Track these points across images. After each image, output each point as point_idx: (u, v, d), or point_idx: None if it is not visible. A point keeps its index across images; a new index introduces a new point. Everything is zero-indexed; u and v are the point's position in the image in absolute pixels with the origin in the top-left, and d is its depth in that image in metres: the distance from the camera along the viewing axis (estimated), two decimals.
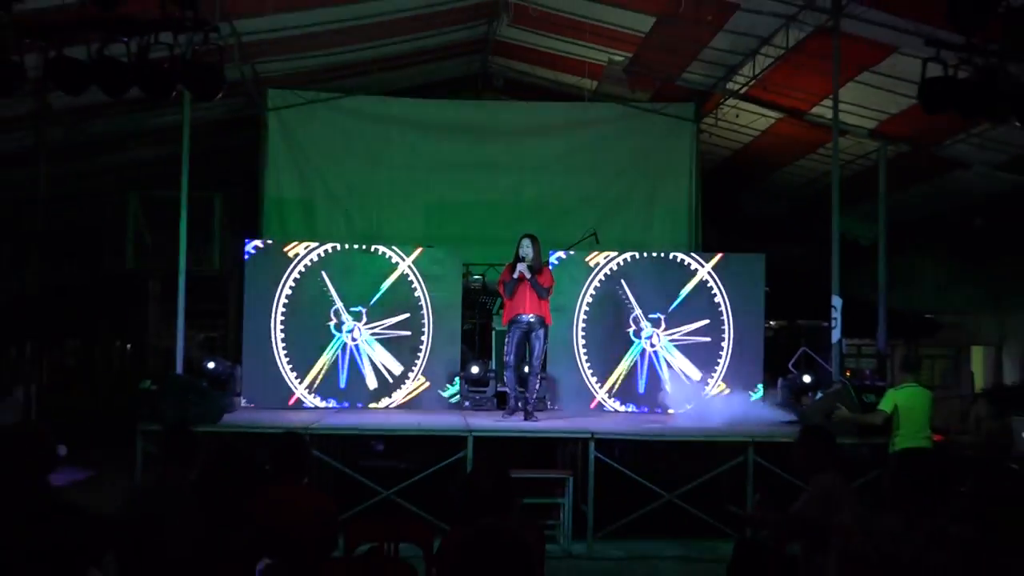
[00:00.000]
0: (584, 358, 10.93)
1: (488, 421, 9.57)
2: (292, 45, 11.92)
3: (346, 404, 10.68)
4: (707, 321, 10.96)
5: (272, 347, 10.64)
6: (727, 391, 10.68)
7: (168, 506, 4.60)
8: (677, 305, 10.95)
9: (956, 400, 16.26)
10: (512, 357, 9.59)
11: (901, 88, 10.74)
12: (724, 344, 10.97)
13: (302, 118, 13.89)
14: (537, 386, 9.82)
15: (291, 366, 10.66)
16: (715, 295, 11.00)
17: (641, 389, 10.90)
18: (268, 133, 13.84)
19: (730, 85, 12.94)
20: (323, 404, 10.64)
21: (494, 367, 10.91)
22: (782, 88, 12.27)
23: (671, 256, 11.29)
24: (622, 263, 11.06)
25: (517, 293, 9.53)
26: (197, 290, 10.91)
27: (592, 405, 10.85)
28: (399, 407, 10.75)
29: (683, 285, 11.03)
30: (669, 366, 10.89)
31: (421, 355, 10.83)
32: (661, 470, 9.13)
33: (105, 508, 4.67)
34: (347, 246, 11.11)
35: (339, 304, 10.71)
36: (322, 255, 10.82)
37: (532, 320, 9.54)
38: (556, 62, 13.78)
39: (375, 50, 12.81)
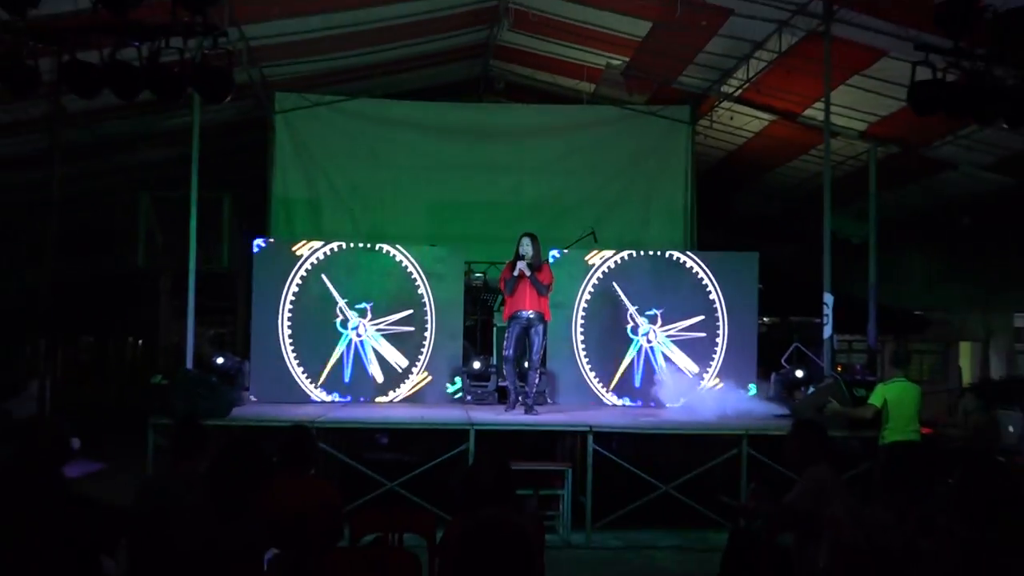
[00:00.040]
0: (583, 354, 10.93)
1: (489, 415, 9.56)
2: (298, 50, 11.91)
3: (349, 398, 10.68)
4: (702, 317, 10.97)
5: (279, 343, 10.64)
6: (720, 385, 10.68)
7: (178, 497, 4.60)
8: (674, 302, 10.96)
9: (944, 394, 16.30)
10: (511, 352, 9.60)
11: (891, 91, 10.74)
12: (719, 340, 10.97)
13: (308, 120, 13.88)
14: (537, 381, 9.82)
15: (298, 361, 10.67)
16: (710, 292, 11.00)
17: (637, 383, 10.90)
18: (275, 135, 13.83)
19: (725, 88, 12.93)
20: (328, 398, 10.64)
21: (495, 362, 10.91)
22: (775, 91, 12.27)
23: (667, 255, 11.29)
24: (619, 261, 11.06)
25: (517, 290, 9.54)
26: (207, 287, 10.92)
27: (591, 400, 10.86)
28: (403, 401, 10.75)
29: (679, 282, 11.03)
30: (667, 360, 10.89)
31: (424, 350, 10.84)
32: (657, 462, 9.11)
33: (117, 499, 4.68)
34: (352, 245, 11.11)
35: (342, 302, 10.71)
36: (328, 253, 10.82)
37: (531, 316, 9.54)
38: (555, 66, 13.77)
39: (379, 54, 12.80)
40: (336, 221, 13.78)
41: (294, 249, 10.87)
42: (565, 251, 11.30)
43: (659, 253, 11.33)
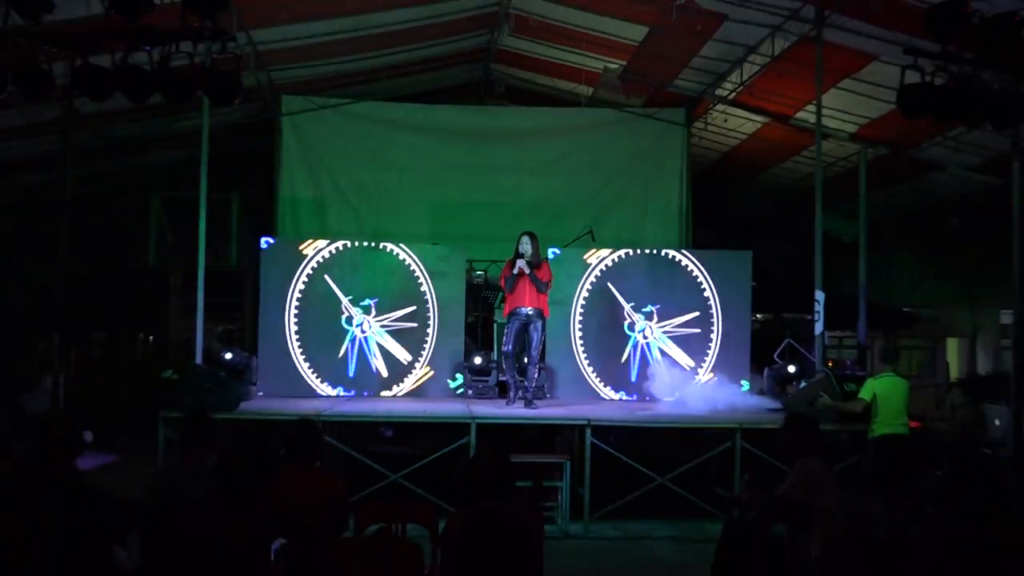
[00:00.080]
0: (581, 349, 10.93)
1: (490, 409, 9.56)
2: (305, 54, 11.90)
3: (353, 393, 10.67)
4: (697, 314, 10.96)
5: (286, 339, 10.64)
6: (714, 379, 10.68)
7: (187, 489, 4.60)
8: (670, 299, 10.96)
9: (932, 389, 16.31)
10: (511, 347, 9.60)
11: (881, 94, 10.74)
12: (713, 336, 10.97)
13: (314, 122, 13.87)
14: (536, 375, 9.82)
15: (304, 357, 10.66)
16: (705, 289, 11.00)
17: (633, 378, 10.90)
18: (282, 137, 13.82)
19: (719, 91, 12.92)
20: (333, 392, 10.64)
21: (496, 358, 10.90)
22: (768, 94, 12.26)
23: (663, 253, 11.28)
24: (617, 259, 11.05)
25: (517, 287, 9.54)
26: (215, 285, 10.90)
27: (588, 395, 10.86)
28: (406, 396, 10.75)
29: (675, 280, 11.03)
30: (664, 355, 10.89)
31: (427, 346, 10.84)
32: (654, 455, 9.12)
33: (129, 491, 4.67)
34: (356, 243, 11.10)
35: (345, 300, 10.71)
36: (333, 252, 10.81)
37: (531, 313, 9.55)
38: (554, 70, 13.76)
39: (383, 58, 12.79)
40: (341, 220, 13.78)
41: (300, 248, 10.86)
42: (561, 250, 11.29)
43: (655, 251, 11.31)
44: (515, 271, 9.49)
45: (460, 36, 12.92)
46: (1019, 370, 8.02)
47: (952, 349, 18.88)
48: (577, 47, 12.45)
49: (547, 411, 9.55)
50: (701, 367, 10.89)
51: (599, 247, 11.36)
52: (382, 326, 10.77)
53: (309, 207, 13.89)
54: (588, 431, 8.68)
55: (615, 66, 12.87)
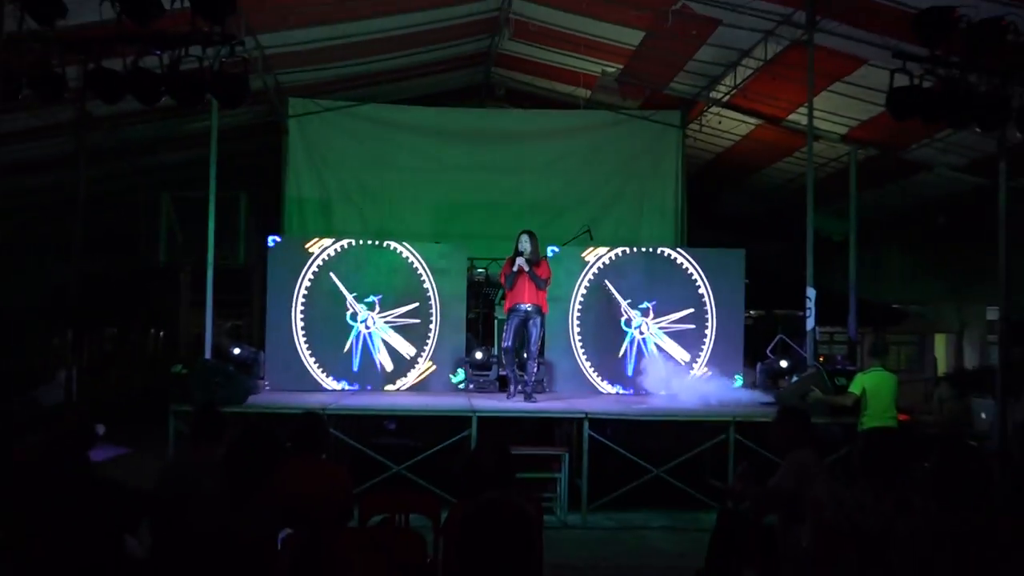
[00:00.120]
0: (579, 345, 10.93)
1: (491, 402, 9.57)
2: (311, 57, 11.89)
3: (358, 387, 10.67)
4: (692, 310, 10.97)
5: (293, 334, 10.65)
6: (708, 374, 10.68)
7: (197, 481, 4.60)
8: (665, 296, 10.96)
9: (920, 383, 16.32)
10: (511, 343, 9.61)
11: (871, 97, 10.71)
12: (707, 332, 10.98)
13: (320, 124, 13.87)
14: (535, 370, 9.83)
15: (310, 352, 10.66)
16: (699, 287, 11.00)
17: (629, 373, 10.90)
18: (289, 138, 13.81)
19: (713, 94, 12.91)
20: (338, 386, 10.64)
21: (496, 353, 10.91)
22: (761, 97, 12.24)
23: (659, 251, 11.28)
24: (614, 257, 11.05)
25: (517, 284, 9.56)
26: (224, 282, 10.89)
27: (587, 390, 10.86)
28: (409, 389, 10.75)
29: (670, 277, 11.03)
30: (660, 350, 10.89)
31: (429, 342, 10.83)
32: (650, 447, 9.11)
33: (140, 482, 4.68)
34: (361, 242, 11.10)
35: (350, 297, 10.70)
36: (338, 250, 10.81)
37: (530, 309, 9.57)
38: (553, 73, 13.75)
39: (387, 62, 12.78)
40: (346, 220, 13.77)
41: (307, 246, 10.86)
42: (560, 248, 11.28)
43: (651, 250, 11.31)
44: (515, 269, 9.51)
45: (461, 40, 12.90)
46: (1005, 365, 8.01)
47: (940, 344, 18.89)
48: (575, 51, 12.43)
49: (546, 405, 9.56)
50: (696, 362, 10.90)
51: (597, 245, 11.35)
52: (386, 322, 10.77)
53: (315, 206, 13.88)
54: (586, 424, 8.68)
55: (612, 69, 12.86)
